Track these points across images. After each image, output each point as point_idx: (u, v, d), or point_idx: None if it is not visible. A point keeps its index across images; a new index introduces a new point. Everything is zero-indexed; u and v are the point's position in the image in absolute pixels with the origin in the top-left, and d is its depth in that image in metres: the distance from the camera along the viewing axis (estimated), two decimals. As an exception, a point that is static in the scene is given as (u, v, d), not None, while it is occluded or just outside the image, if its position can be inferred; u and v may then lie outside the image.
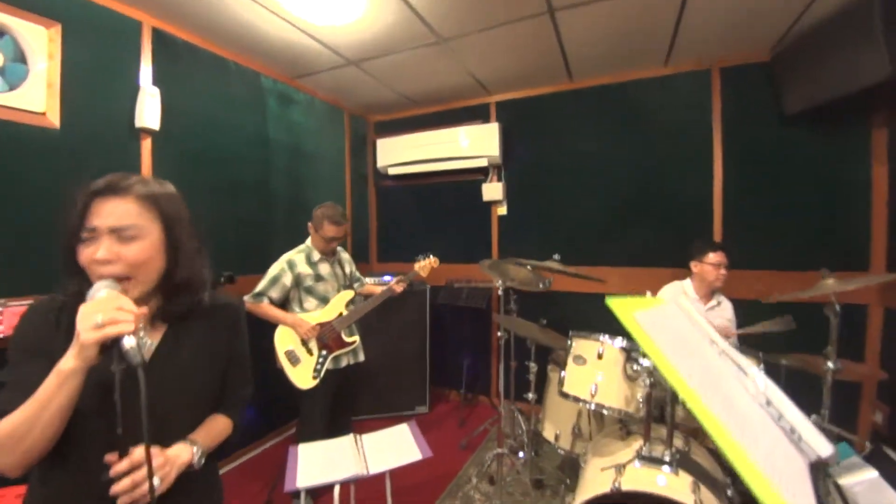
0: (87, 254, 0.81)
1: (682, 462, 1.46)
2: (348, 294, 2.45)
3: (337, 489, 1.60)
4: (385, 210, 4.14)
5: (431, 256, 2.70)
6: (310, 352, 2.27)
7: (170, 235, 0.89)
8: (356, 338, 2.42)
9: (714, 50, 2.73)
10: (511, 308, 2.54)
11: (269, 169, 2.97)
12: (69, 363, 0.73)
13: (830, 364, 1.59)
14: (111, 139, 2.08)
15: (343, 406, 2.48)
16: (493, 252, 3.62)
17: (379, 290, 2.57)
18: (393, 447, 1.75)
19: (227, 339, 1.04)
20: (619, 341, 1.76)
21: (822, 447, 0.68)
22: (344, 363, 2.38)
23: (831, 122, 2.58)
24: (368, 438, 1.81)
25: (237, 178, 2.73)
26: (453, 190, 3.75)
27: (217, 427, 1.02)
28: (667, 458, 1.45)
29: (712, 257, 2.25)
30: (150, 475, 0.72)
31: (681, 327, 0.69)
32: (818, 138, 2.66)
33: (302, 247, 2.40)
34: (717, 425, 0.57)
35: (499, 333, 2.22)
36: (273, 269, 2.30)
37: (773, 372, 1.86)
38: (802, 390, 1.91)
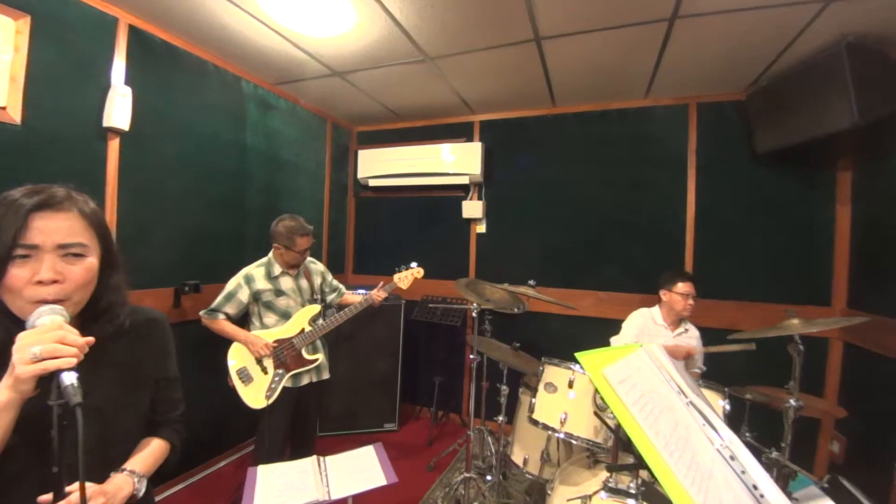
0: (22, 275, 0.73)
1: (647, 494, 1.46)
2: (313, 309, 2.30)
3: None
4: (363, 222, 4.09)
5: (414, 265, 2.52)
6: (264, 370, 2.16)
7: (106, 255, 0.85)
8: (319, 356, 2.29)
9: (692, 86, 2.83)
10: (485, 328, 2.52)
11: (245, 176, 2.89)
12: (2, 395, 0.67)
13: (793, 402, 1.63)
14: (76, 138, 1.98)
15: (305, 426, 2.36)
16: (470, 270, 3.61)
17: (358, 299, 2.42)
18: (357, 471, 1.69)
19: (153, 357, 0.99)
20: (591, 371, 1.77)
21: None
22: (305, 381, 2.26)
23: (799, 162, 2.69)
24: (332, 461, 1.74)
25: (211, 183, 2.64)
26: (433, 205, 3.74)
27: (153, 452, 0.97)
28: (632, 490, 1.45)
29: (681, 287, 2.30)
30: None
31: (650, 379, 0.68)
32: (787, 177, 2.77)
33: (262, 260, 2.28)
34: (681, 492, 0.56)
35: (471, 356, 2.20)
36: (229, 285, 2.20)
37: (737, 405, 1.92)
38: (764, 423, 1.97)
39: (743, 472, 0.70)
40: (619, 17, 2.05)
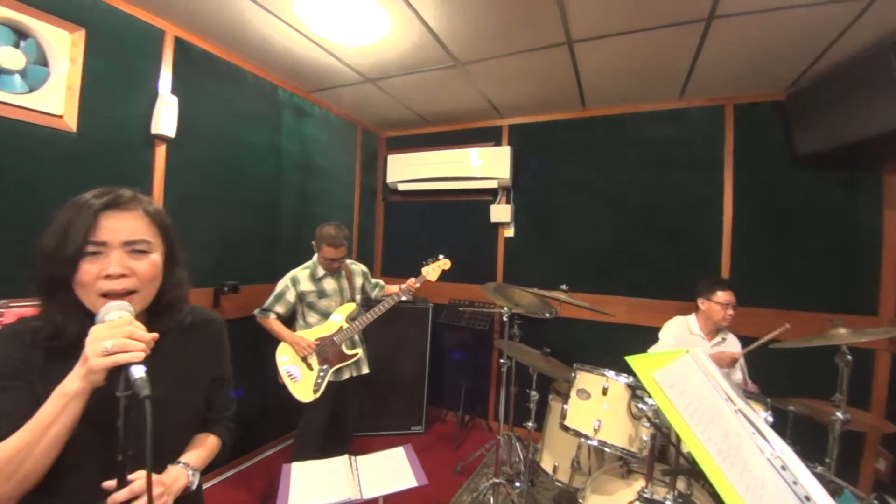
0: (93, 270, 0.78)
1: (684, 507, 1.42)
2: (349, 307, 2.46)
3: None
4: (392, 225, 4.14)
5: (441, 257, 2.57)
6: (310, 367, 2.32)
7: (169, 252, 0.90)
8: (358, 350, 2.44)
9: (729, 87, 2.75)
10: (514, 333, 2.51)
11: (280, 181, 2.98)
12: (74, 385, 0.71)
13: (839, 415, 1.56)
14: (125, 144, 2.09)
15: (345, 418, 2.50)
16: (497, 274, 3.60)
17: (393, 289, 2.58)
18: (388, 471, 1.72)
19: (211, 356, 1.03)
20: (625, 378, 1.74)
21: (836, 515, 0.66)
22: (346, 375, 2.41)
23: (843, 165, 2.58)
24: (363, 461, 1.78)
25: (247, 188, 2.74)
26: (461, 209, 3.76)
27: (207, 447, 1.01)
28: (668, 502, 1.42)
29: (721, 296, 2.22)
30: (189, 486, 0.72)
31: (698, 385, 0.67)
32: (829, 180, 2.66)
33: (308, 263, 2.45)
34: (735, 497, 0.56)
35: (501, 360, 2.19)
36: (279, 286, 2.38)
37: (779, 417, 1.84)
38: (807, 436, 1.89)
39: (795, 483, 0.68)
40: (654, 19, 2.03)
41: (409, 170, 3.73)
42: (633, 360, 0.61)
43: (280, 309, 2.36)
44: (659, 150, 3.08)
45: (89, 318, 0.78)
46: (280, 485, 1.62)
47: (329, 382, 2.32)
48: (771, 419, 1.55)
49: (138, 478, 0.75)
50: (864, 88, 2.14)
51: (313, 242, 2.41)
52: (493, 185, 3.44)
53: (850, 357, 1.58)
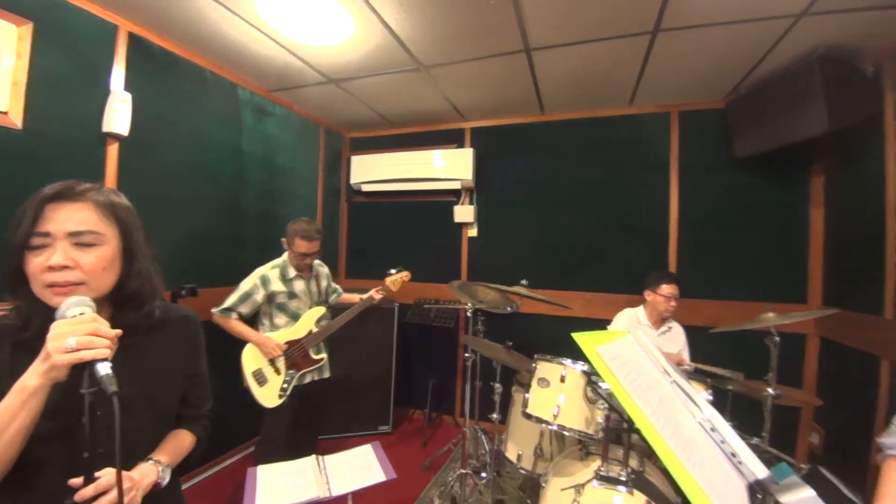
0: (38, 261, 0.76)
1: (637, 482, 1.54)
2: (319, 311, 2.40)
3: None
4: (356, 226, 4.14)
5: (403, 270, 2.66)
6: (277, 371, 2.25)
7: (126, 244, 0.87)
8: (324, 355, 2.40)
9: (674, 95, 2.96)
10: (478, 329, 2.59)
11: (241, 181, 2.93)
12: (33, 381, 0.70)
13: (771, 390, 1.73)
14: (76, 143, 2.01)
15: (307, 424, 2.43)
16: (462, 273, 3.68)
17: (356, 297, 2.55)
18: (356, 468, 1.72)
19: (185, 353, 1.02)
20: (581, 365, 1.84)
21: (759, 470, 0.76)
22: (308, 379, 2.36)
23: (776, 167, 2.83)
24: (331, 459, 1.78)
25: (207, 188, 2.68)
26: (425, 209, 3.81)
27: (180, 443, 1.00)
28: (623, 478, 1.53)
29: (665, 289, 2.39)
30: (121, 501, 0.71)
31: (638, 359, 0.75)
32: (764, 181, 2.91)
33: (278, 261, 2.35)
34: (667, 452, 0.64)
35: (466, 354, 2.25)
36: (245, 285, 2.25)
37: (720, 396, 2.01)
38: (746, 414, 2.07)
39: (723, 442, 0.78)
40: (605, 31, 2.16)
41: (373, 171, 3.75)
42: (578, 337, 0.68)
43: (245, 309, 2.25)
44: (613, 153, 3.26)
45: (49, 311, 0.77)
46: (246, 488, 1.59)
47: (294, 387, 2.27)
48: (711, 398, 1.70)
49: (105, 474, 0.75)
50: (792, 98, 2.36)
51: (284, 239, 2.34)
52: (456, 186, 3.52)
53: (777, 338, 1.75)
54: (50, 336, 0.71)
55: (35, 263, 0.77)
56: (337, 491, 1.59)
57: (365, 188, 3.83)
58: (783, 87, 2.42)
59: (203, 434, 1.08)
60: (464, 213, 3.59)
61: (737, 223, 2.96)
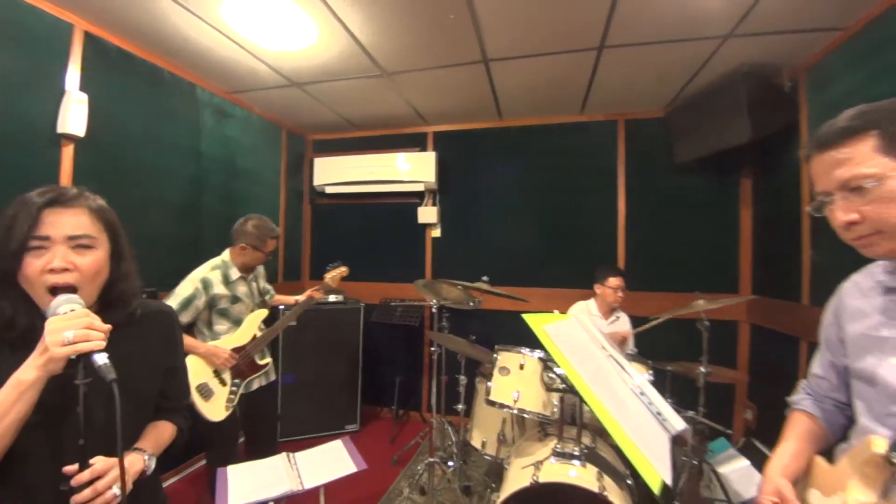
0: (37, 264, 0.80)
1: (589, 456, 1.70)
2: (261, 313, 2.27)
3: None
4: (320, 228, 4.16)
5: (341, 265, 2.58)
6: (222, 382, 2.09)
7: (114, 247, 0.93)
8: (269, 359, 2.29)
9: (620, 104, 3.21)
10: (443, 325, 2.70)
11: (202, 183, 2.90)
12: (30, 374, 0.74)
13: (702, 368, 1.95)
14: (30, 144, 1.95)
15: (264, 430, 2.35)
16: (426, 272, 3.79)
17: (289, 299, 2.46)
18: (327, 462, 1.75)
19: (162, 346, 1.06)
20: (538, 353, 1.99)
21: (679, 424, 0.91)
22: (255, 385, 2.23)
23: (711, 171, 3.13)
24: (301, 456, 1.79)
25: (167, 191, 2.64)
26: (389, 211, 3.89)
27: (162, 433, 1.05)
28: (577, 454, 1.68)
29: (612, 281, 2.61)
30: (124, 485, 0.77)
31: (579, 336, 0.89)
32: (701, 184, 3.20)
33: (216, 262, 2.15)
34: (602, 409, 0.77)
35: (432, 348, 2.36)
36: (184, 290, 2.02)
37: (660, 376, 2.22)
38: (685, 392, 2.30)
39: (650, 404, 0.93)
40: (556, 45, 2.34)
41: (336, 173, 3.78)
42: (528, 317, 0.80)
43: (186, 318, 2.01)
44: (566, 157, 3.48)
45: (37, 311, 0.82)
46: (217, 488, 1.59)
47: (240, 395, 2.13)
48: (652, 378, 1.90)
49: (98, 461, 0.80)
50: (721, 109, 2.63)
51: (242, 243, 2.15)
52: (419, 188, 3.62)
53: (707, 323, 1.98)
54: (47, 331, 0.75)
55: (34, 266, 0.81)
56: (309, 484, 1.61)
57: (329, 190, 3.85)
58: (713, 99, 2.69)
59: (184, 424, 1.12)
60: (427, 214, 3.69)
61: (677, 222, 3.25)
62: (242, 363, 2.14)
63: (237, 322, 2.18)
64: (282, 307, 2.79)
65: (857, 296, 0.85)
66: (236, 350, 2.12)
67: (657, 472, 0.69)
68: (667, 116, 3.14)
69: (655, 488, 0.66)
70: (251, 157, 3.38)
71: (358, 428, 3.43)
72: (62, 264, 0.82)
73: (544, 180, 3.53)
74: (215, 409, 2.04)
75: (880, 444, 0.65)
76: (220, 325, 2.14)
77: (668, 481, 0.69)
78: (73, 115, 2.06)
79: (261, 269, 2.42)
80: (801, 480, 0.85)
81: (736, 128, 2.54)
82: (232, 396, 2.09)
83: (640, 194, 3.33)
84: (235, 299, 2.16)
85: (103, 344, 0.77)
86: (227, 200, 3.13)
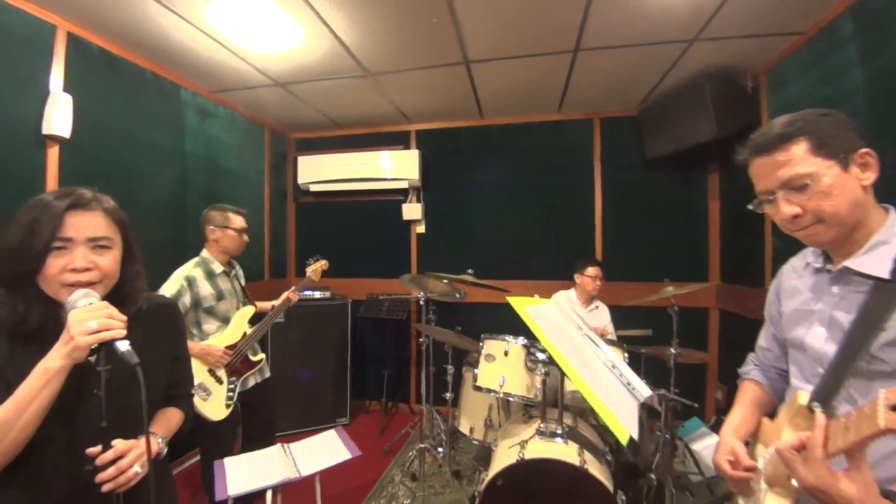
0: (59, 263, 0.86)
1: (571, 434, 1.82)
2: (249, 310, 2.28)
3: (269, 494, 1.65)
4: (305, 226, 4.19)
5: (321, 259, 2.67)
6: (219, 380, 2.09)
7: (127, 247, 0.99)
8: (262, 355, 2.31)
9: (595, 103, 3.35)
10: (430, 318, 2.80)
11: (186, 183, 2.91)
12: (56, 362, 0.80)
13: (672, 350, 2.10)
14: (14, 146, 1.95)
15: (262, 427, 2.37)
16: (412, 268, 3.88)
17: (268, 305, 2.47)
18: (322, 450, 1.82)
19: (168, 337, 1.12)
20: (521, 339, 2.11)
21: (646, 392, 1.03)
22: (251, 383, 2.26)
23: (681, 166, 3.30)
24: (296, 446, 1.87)
25: (151, 190, 2.65)
26: (374, 208, 3.95)
27: (170, 419, 1.11)
28: (559, 432, 1.81)
29: (590, 271, 2.77)
30: (150, 455, 0.83)
31: (558, 317, 1.00)
32: (671, 178, 3.38)
33: (197, 259, 2.16)
34: (577, 377, 0.88)
35: (421, 339, 2.45)
36: (169, 288, 2.02)
37: (635, 359, 2.37)
38: (660, 373, 2.45)
39: (621, 375, 1.05)
40: (534, 48, 2.45)
41: (320, 171, 3.82)
42: (512, 299, 0.90)
43: None
44: (545, 154, 3.61)
45: (51, 307, 0.87)
46: (216, 479, 1.65)
47: (238, 394, 2.15)
48: (627, 360, 2.03)
49: (118, 442, 0.87)
50: (688, 108, 2.79)
51: (209, 229, 2.18)
52: (404, 185, 3.70)
53: (676, 308, 2.14)
54: (71, 322, 0.81)
55: (56, 266, 0.86)
56: (306, 471, 1.68)
57: (313, 188, 3.89)
58: (681, 99, 2.85)
59: (189, 410, 1.18)
60: (412, 210, 3.77)
61: (651, 216, 3.43)
62: (237, 360, 2.15)
63: (225, 320, 2.18)
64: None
65: (793, 276, 0.99)
66: (229, 348, 2.13)
67: (626, 429, 0.81)
68: (639, 115, 3.30)
69: (623, 441, 0.77)
70: (235, 156, 3.40)
71: (348, 421, 3.50)
72: (84, 264, 0.87)
73: (525, 176, 3.65)
74: (215, 408, 2.06)
75: (803, 397, 0.78)
76: (209, 325, 2.14)
77: (635, 436, 0.80)
78: (59, 116, 2.07)
79: (240, 272, 2.41)
80: (752, 439, 0.98)
81: (702, 126, 2.70)
82: (231, 394, 2.10)
83: (615, 189, 3.49)
84: (220, 296, 2.16)
85: (124, 332, 0.83)
86: (212, 200, 3.09)
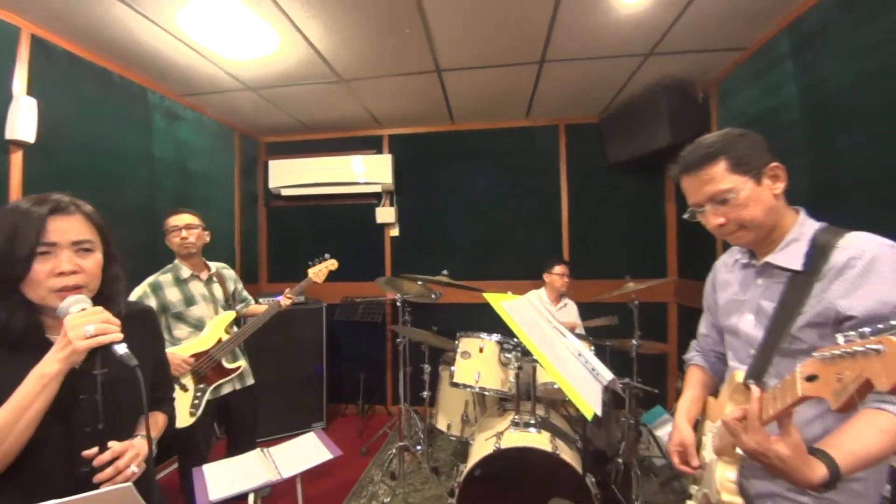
0: (45, 268, 0.87)
1: (543, 424, 1.94)
2: (228, 316, 2.20)
3: (251, 498, 1.67)
4: (277, 231, 4.17)
5: (328, 257, 2.49)
6: (184, 388, 2.01)
7: (107, 249, 1.00)
8: (241, 363, 2.22)
9: (560, 111, 3.53)
10: (406, 319, 2.86)
11: (155, 187, 2.87)
12: (53, 367, 0.81)
13: (634, 341, 2.26)
14: (-26, 151, 1.90)
15: (241, 435, 2.31)
16: (386, 270, 3.93)
17: (264, 308, 2.34)
18: (302, 453, 1.84)
19: (149, 342, 1.12)
20: (495, 336, 2.22)
21: (608, 375, 1.15)
22: (227, 390, 2.18)
23: (640, 170, 3.51)
24: (276, 450, 1.87)
25: (119, 194, 2.60)
26: (347, 212, 3.98)
27: (158, 421, 1.14)
28: (533, 423, 1.91)
29: (557, 269, 2.92)
30: (150, 451, 0.86)
31: (529, 311, 1.10)
32: (632, 182, 3.58)
33: (167, 266, 2.16)
34: (548, 363, 0.98)
35: (398, 340, 2.51)
36: (133, 295, 2.02)
37: (600, 350, 2.52)
38: (623, 364, 2.61)
39: (586, 362, 1.16)
40: (502, 59, 2.58)
41: (292, 175, 3.81)
42: (488, 295, 1.00)
43: None
44: (514, 159, 3.76)
45: (34, 313, 0.89)
46: (196, 485, 1.64)
47: (208, 402, 2.06)
48: (594, 351, 2.17)
49: (114, 444, 0.89)
50: (645, 116, 2.99)
51: (167, 237, 2.18)
52: (377, 189, 3.74)
53: (637, 302, 2.30)
54: (68, 327, 0.83)
55: (42, 271, 0.87)
56: (287, 473, 1.69)
57: (284, 192, 3.88)
58: (639, 108, 3.05)
59: (172, 414, 1.21)
60: (385, 214, 3.83)
61: (613, 217, 3.63)
62: (206, 368, 2.08)
63: (198, 326, 2.13)
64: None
65: (724, 271, 1.13)
66: (197, 356, 2.05)
67: (591, 407, 0.91)
68: (601, 122, 3.49)
69: (588, 416, 0.88)
70: (204, 159, 3.36)
71: (324, 425, 3.51)
72: (70, 267, 0.88)
73: (494, 180, 3.78)
74: (178, 416, 1.95)
75: (740, 376, 0.91)
76: (180, 331, 2.11)
77: (599, 414, 0.91)
78: (22, 121, 2.02)
79: (230, 274, 2.40)
80: (701, 417, 1.11)
81: (658, 133, 2.91)
82: (196, 402, 2.03)
83: (579, 192, 3.67)
84: (190, 301, 2.11)
85: (121, 336, 0.86)
86: (182, 204, 3.02)
